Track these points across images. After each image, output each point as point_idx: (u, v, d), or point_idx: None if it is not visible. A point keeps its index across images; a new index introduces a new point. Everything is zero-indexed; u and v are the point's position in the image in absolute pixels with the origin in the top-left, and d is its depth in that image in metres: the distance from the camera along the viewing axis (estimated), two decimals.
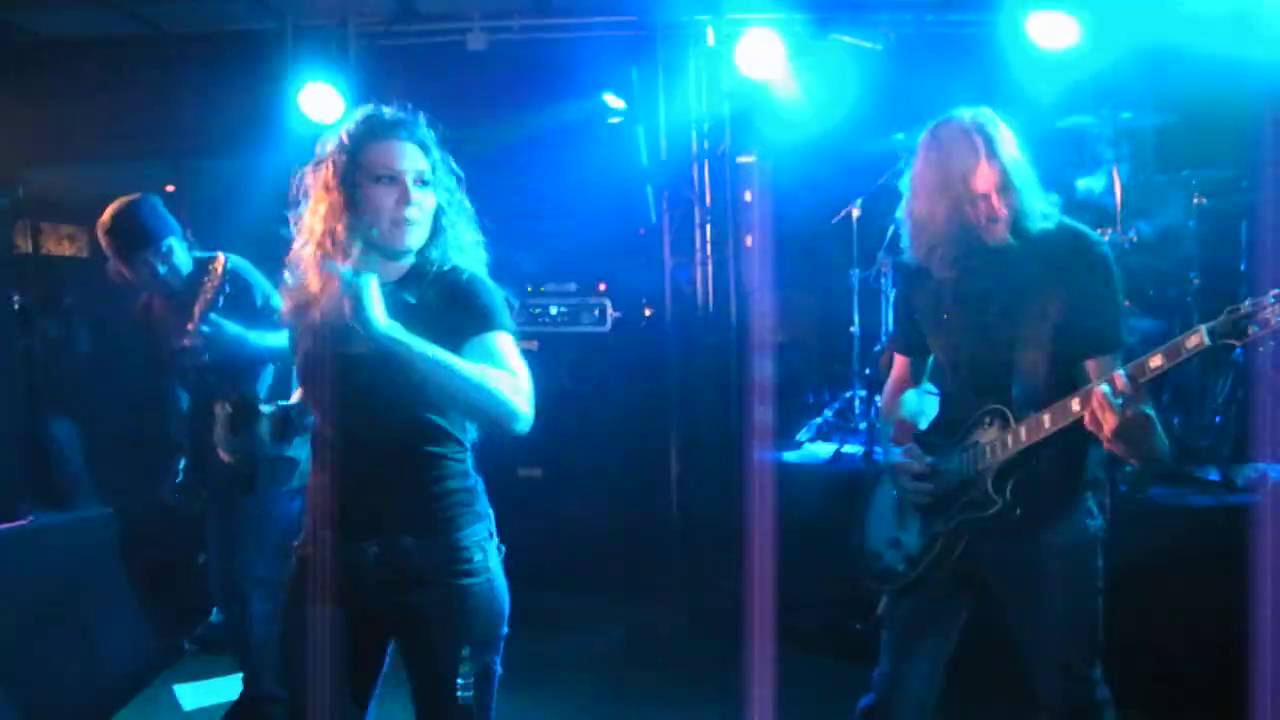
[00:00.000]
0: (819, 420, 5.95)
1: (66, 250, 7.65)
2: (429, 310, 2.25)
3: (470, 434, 2.36)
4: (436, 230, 2.34)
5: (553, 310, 6.23)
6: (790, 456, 5.53)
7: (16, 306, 6.22)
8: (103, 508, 4.82)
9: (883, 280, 5.78)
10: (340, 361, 2.27)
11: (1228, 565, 4.02)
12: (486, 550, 2.34)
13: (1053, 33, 5.13)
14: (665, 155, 6.53)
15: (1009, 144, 2.66)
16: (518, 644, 5.08)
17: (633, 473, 6.46)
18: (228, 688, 4.46)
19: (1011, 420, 2.58)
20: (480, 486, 2.39)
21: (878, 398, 5.50)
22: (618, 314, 6.22)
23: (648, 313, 6.79)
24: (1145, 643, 3.78)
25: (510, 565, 6.06)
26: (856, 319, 5.89)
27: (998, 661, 2.86)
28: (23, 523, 4.34)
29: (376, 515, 2.30)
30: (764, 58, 5.53)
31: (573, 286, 6.27)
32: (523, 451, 6.14)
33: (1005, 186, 2.62)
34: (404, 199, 2.26)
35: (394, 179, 2.27)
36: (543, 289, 6.29)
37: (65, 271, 7.48)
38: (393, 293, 2.23)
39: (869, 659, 2.92)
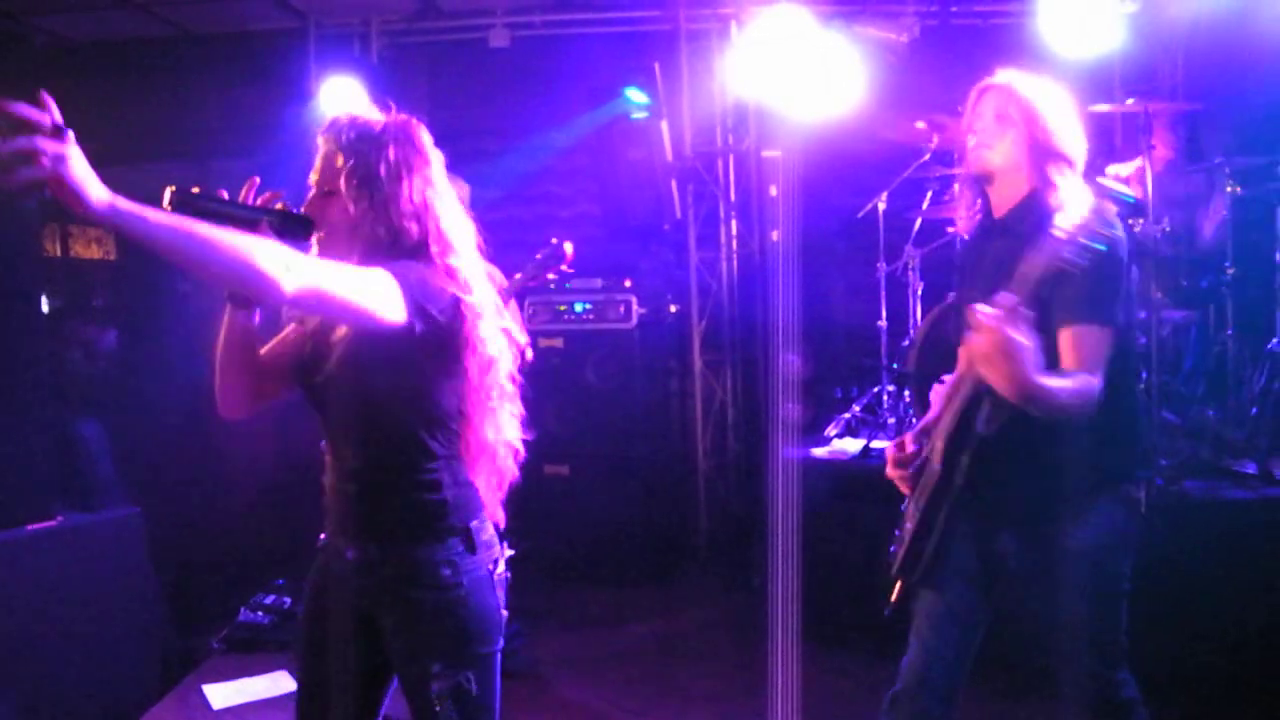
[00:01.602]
0: (847, 415, 5.90)
1: (95, 253, 7.68)
2: None
3: (446, 446, 2.26)
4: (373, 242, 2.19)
5: (578, 307, 6.20)
6: (818, 452, 5.48)
7: (46, 310, 6.26)
8: (131, 508, 4.81)
9: (910, 274, 5.72)
10: (313, 367, 2.26)
11: (1266, 559, 3.97)
12: (458, 565, 2.22)
13: (1081, 21, 5.05)
14: (690, 150, 6.51)
15: (1041, 91, 2.60)
16: (546, 641, 5.10)
17: (660, 469, 6.44)
18: (257, 687, 4.46)
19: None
20: (462, 499, 2.26)
21: (906, 392, 5.44)
22: (643, 310, 6.18)
23: (673, 309, 6.77)
24: (1181, 639, 3.72)
25: (537, 562, 6.06)
26: (884, 313, 5.83)
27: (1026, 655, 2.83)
28: (52, 523, 4.35)
29: (353, 522, 2.27)
30: (788, 51, 5.48)
31: (598, 283, 6.23)
32: (549, 449, 6.13)
33: (1017, 118, 2.57)
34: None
35: (313, 188, 2.23)
36: (568, 285, 6.25)
37: (94, 274, 7.52)
38: None
39: (899, 653, 2.88)
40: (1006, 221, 2.62)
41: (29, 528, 4.26)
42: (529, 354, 2.42)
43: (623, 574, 5.99)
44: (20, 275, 4.49)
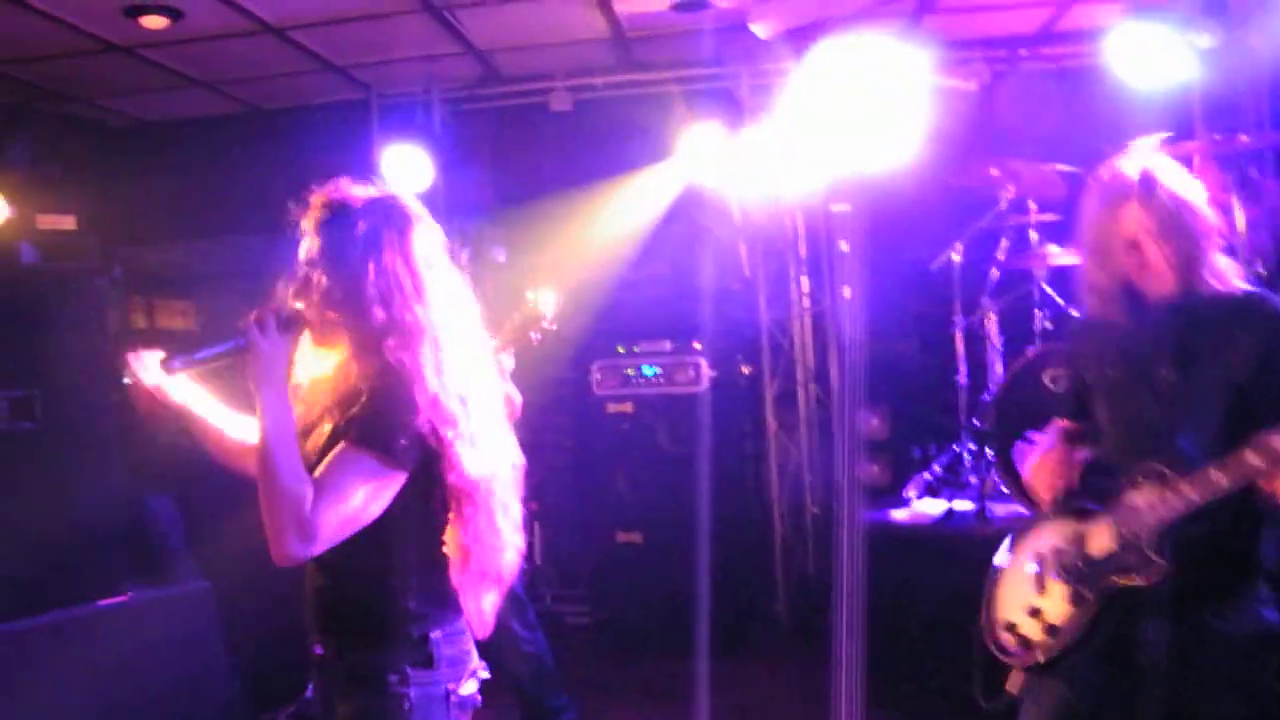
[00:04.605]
0: (927, 476, 5.68)
1: (180, 324, 7.83)
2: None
3: (420, 551, 2.16)
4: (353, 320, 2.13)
5: (647, 371, 6.09)
6: (898, 515, 5.28)
7: (127, 382, 6.33)
8: (202, 582, 4.79)
9: (987, 327, 5.52)
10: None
11: None
12: (408, 675, 2.10)
13: (1157, 59, 4.87)
14: (757, 207, 6.40)
15: (1178, 191, 2.52)
16: (618, 714, 4.93)
17: (736, 535, 6.25)
18: None
19: (1170, 478, 2.35)
20: (427, 608, 2.15)
21: (988, 450, 5.22)
22: (714, 372, 6.05)
23: (745, 370, 6.62)
24: None
25: (611, 633, 5.90)
26: (963, 368, 5.62)
27: None
28: (123, 599, 4.34)
29: (315, 617, 2.21)
30: (854, 102, 5.37)
31: (667, 345, 6.12)
32: (621, 516, 6.01)
33: (1160, 235, 2.49)
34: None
35: (294, 276, 2.16)
36: (636, 349, 6.16)
37: (178, 344, 7.64)
38: None
39: None
40: (1185, 308, 2.52)
41: (100, 603, 4.25)
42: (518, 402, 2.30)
43: (699, 644, 5.79)
44: (95, 353, 4.55)
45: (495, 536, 2.19)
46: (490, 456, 2.16)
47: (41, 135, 5.58)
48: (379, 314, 2.08)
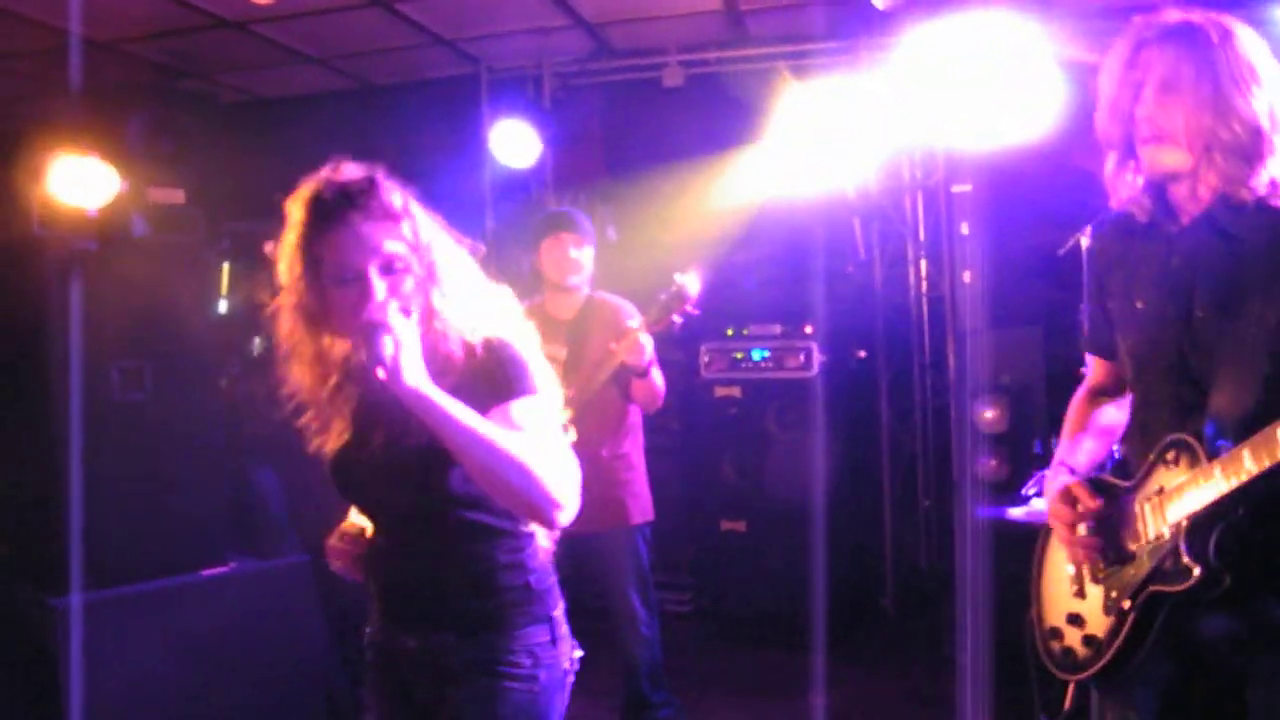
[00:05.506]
0: (1048, 472, 5.38)
1: None
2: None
3: (525, 526, 2.08)
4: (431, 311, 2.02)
5: (756, 355, 5.92)
6: (1015, 512, 5.00)
7: (257, 353, 6.47)
8: (302, 555, 4.83)
9: None
10: (360, 442, 2.07)
11: None
12: (539, 656, 2.03)
13: None
14: (874, 187, 6.17)
15: (1228, 50, 1.94)
16: (715, 707, 4.82)
17: (845, 526, 6.06)
18: None
19: (1202, 457, 1.89)
20: (546, 584, 2.10)
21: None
22: (824, 357, 5.84)
23: (860, 355, 6.40)
24: None
25: (711, 623, 5.80)
26: (1089, 359, 5.29)
27: None
28: (225, 568, 4.41)
29: (417, 609, 2.07)
30: (978, 77, 5.09)
31: (777, 329, 5.93)
32: (726, 503, 5.88)
33: (1173, 86, 1.94)
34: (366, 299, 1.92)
35: (356, 277, 1.94)
36: (745, 331, 5.98)
37: None
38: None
39: None
40: (1225, 221, 1.98)
41: (203, 573, 4.33)
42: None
43: (803, 637, 5.62)
44: (203, 325, 4.62)
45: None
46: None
47: (156, 111, 5.67)
48: (456, 288, 2.05)
